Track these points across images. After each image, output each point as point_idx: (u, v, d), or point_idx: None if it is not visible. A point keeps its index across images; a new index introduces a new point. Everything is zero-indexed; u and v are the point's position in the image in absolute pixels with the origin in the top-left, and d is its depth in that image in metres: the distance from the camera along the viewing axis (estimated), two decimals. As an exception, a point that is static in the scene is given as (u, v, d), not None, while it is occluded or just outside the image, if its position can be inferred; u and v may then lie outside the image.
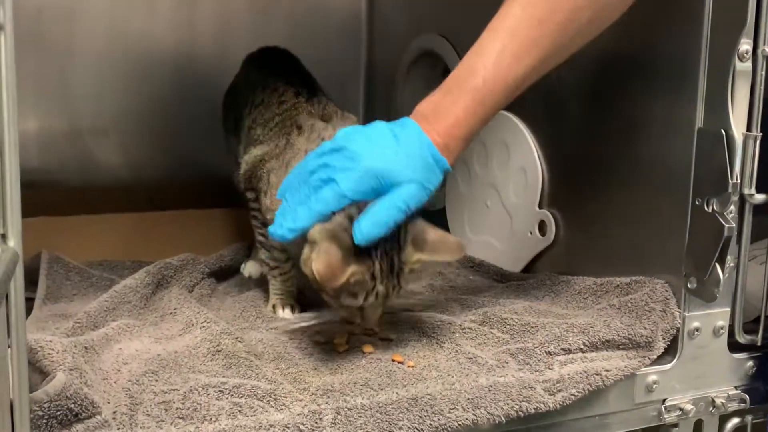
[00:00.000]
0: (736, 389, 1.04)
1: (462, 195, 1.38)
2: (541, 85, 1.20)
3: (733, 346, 1.03)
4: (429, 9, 1.49)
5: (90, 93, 1.57)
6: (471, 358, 0.92)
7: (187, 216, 1.47)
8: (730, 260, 0.96)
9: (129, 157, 1.61)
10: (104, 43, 1.56)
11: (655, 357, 0.98)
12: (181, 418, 0.77)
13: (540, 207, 1.21)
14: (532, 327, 0.99)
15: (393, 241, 0.88)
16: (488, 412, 0.85)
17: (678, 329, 0.99)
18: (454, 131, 0.90)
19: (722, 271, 0.95)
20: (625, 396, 0.97)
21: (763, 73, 0.94)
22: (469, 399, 0.85)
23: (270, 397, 0.80)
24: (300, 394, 0.82)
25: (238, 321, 1.04)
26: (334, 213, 0.87)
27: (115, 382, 0.83)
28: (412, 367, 0.91)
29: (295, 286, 1.09)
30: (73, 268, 1.16)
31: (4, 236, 0.63)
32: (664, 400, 1.00)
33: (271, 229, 0.90)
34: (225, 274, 1.23)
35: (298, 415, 0.79)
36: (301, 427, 0.78)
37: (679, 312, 0.99)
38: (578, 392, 0.91)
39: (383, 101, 1.69)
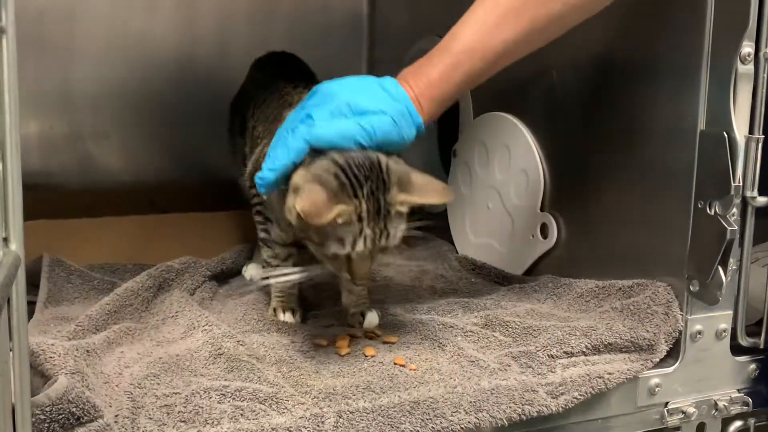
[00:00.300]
0: (739, 392, 1.04)
1: (463, 197, 1.38)
2: (542, 86, 1.21)
3: (736, 349, 1.03)
4: (430, 10, 1.49)
5: (91, 96, 1.57)
6: (473, 362, 0.92)
7: (189, 219, 1.47)
8: (732, 263, 0.96)
9: (130, 159, 1.61)
10: (105, 46, 1.56)
11: (657, 360, 0.97)
12: (183, 421, 0.76)
13: (542, 209, 1.21)
14: (535, 330, 0.99)
15: (378, 182, 0.87)
16: (490, 416, 0.85)
17: (680, 332, 0.99)
18: (427, 91, 0.91)
19: (724, 273, 0.95)
20: (628, 399, 0.97)
21: (765, 75, 0.94)
22: (471, 402, 0.85)
23: (272, 400, 0.80)
24: (302, 397, 0.82)
25: (240, 324, 1.03)
26: (314, 154, 0.87)
27: (116, 386, 0.83)
28: (414, 370, 0.91)
29: (296, 288, 1.09)
30: (75, 271, 1.16)
31: (5, 240, 0.63)
32: (666, 403, 1.00)
33: (255, 177, 0.91)
34: (226, 276, 1.23)
35: (300, 418, 0.79)
36: (303, 430, 0.78)
37: (682, 315, 0.99)
38: (581, 395, 0.90)
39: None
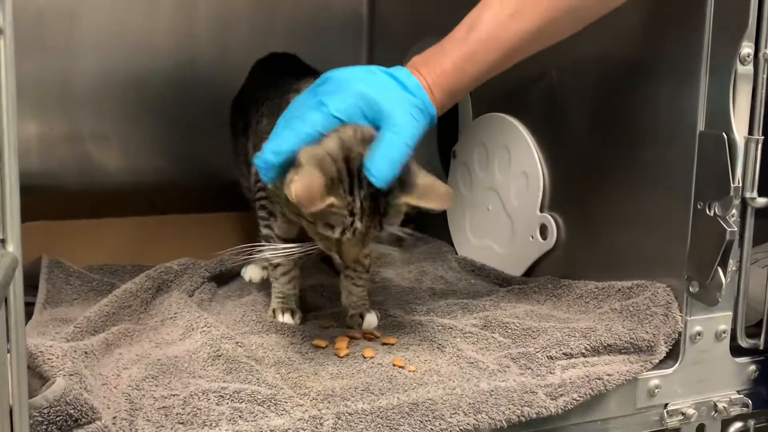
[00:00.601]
0: (739, 393, 1.03)
1: (463, 198, 1.38)
2: (542, 88, 1.21)
3: (736, 350, 1.02)
4: (430, 11, 1.49)
5: (91, 97, 1.57)
6: (472, 363, 0.92)
7: (189, 220, 1.47)
8: (732, 264, 0.96)
9: (130, 160, 1.61)
10: (105, 46, 1.55)
11: (657, 361, 0.97)
12: (181, 423, 0.76)
13: (541, 211, 1.21)
14: (534, 331, 0.99)
15: None
16: (490, 417, 0.84)
17: (680, 333, 0.98)
18: (440, 81, 0.90)
19: (724, 275, 0.94)
20: (627, 400, 0.97)
21: (765, 76, 0.94)
22: (470, 404, 0.85)
23: (270, 402, 0.80)
24: (300, 399, 0.82)
25: (239, 325, 1.03)
26: (322, 136, 0.86)
27: (115, 387, 0.82)
28: (413, 371, 0.90)
29: (297, 289, 1.09)
30: (74, 272, 1.15)
31: (3, 241, 0.63)
32: (666, 405, 1.00)
33: (256, 159, 0.88)
34: (226, 278, 1.22)
35: (299, 420, 0.79)
36: (302, 432, 0.78)
37: (681, 316, 0.98)
38: (580, 397, 0.90)
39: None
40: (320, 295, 1.17)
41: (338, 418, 0.80)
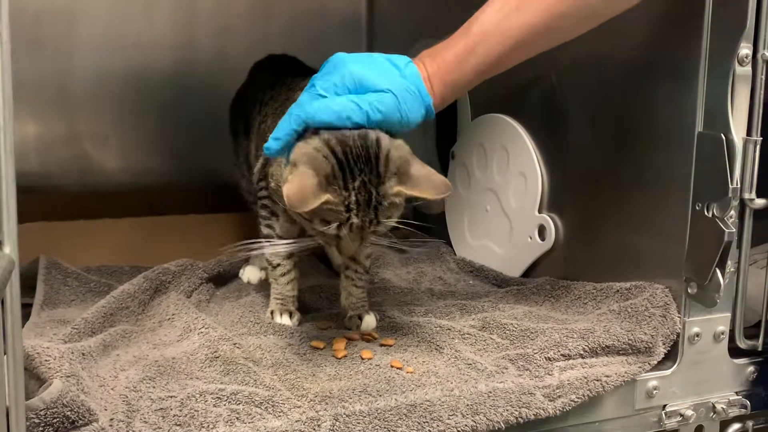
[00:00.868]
0: (737, 395, 1.03)
1: (462, 200, 1.38)
2: (540, 88, 1.21)
3: (734, 352, 1.02)
4: (429, 13, 1.49)
5: (89, 97, 1.57)
6: (470, 364, 0.92)
7: (187, 221, 1.47)
8: (730, 265, 0.95)
9: (128, 161, 1.61)
10: (103, 48, 1.55)
11: (655, 362, 0.97)
12: (178, 425, 0.76)
13: (540, 212, 1.21)
14: (532, 332, 0.99)
15: (372, 174, 0.86)
16: (487, 419, 0.84)
17: (678, 334, 0.98)
18: (440, 73, 0.90)
19: (723, 276, 0.94)
20: (625, 402, 0.97)
21: (763, 77, 0.94)
22: (468, 405, 0.85)
23: (268, 403, 0.80)
24: (298, 400, 0.82)
25: (237, 327, 1.03)
26: (316, 132, 0.87)
27: (112, 389, 0.82)
28: (411, 373, 0.90)
29: (296, 290, 1.09)
30: (71, 273, 1.15)
31: (0, 242, 0.63)
32: (664, 406, 1.00)
33: (264, 146, 0.91)
34: (224, 279, 1.22)
35: (296, 421, 0.79)
36: (299, 433, 0.78)
37: (680, 317, 0.98)
38: (578, 398, 0.90)
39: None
40: (319, 297, 1.17)
41: (336, 420, 0.80)
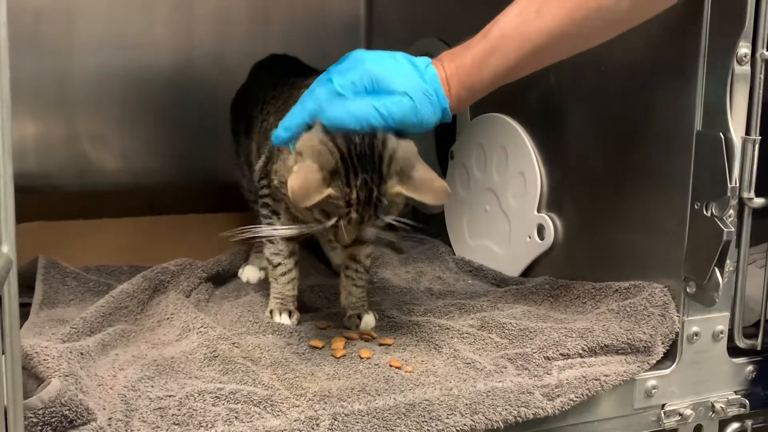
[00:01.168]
0: (736, 394, 1.03)
1: (461, 199, 1.38)
2: (539, 88, 1.21)
3: (733, 351, 1.02)
4: (427, 13, 1.49)
5: (88, 97, 1.57)
6: (469, 363, 0.92)
7: (186, 220, 1.47)
8: (729, 264, 0.95)
9: (127, 161, 1.61)
10: (103, 48, 1.55)
11: (654, 362, 0.97)
12: (176, 424, 0.76)
13: (539, 211, 1.21)
14: (531, 332, 0.99)
15: (375, 173, 0.87)
16: (486, 418, 0.84)
17: (677, 334, 0.98)
18: (457, 74, 0.89)
19: (721, 275, 0.94)
20: (624, 401, 0.97)
21: (762, 76, 0.94)
22: (467, 404, 0.85)
23: (267, 403, 0.80)
24: (297, 399, 0.82)
25: (235, 326, 1.03)
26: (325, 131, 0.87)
27: (110, 388, 0.82)
28: (410, 372, 0.90)
29: (296, 290, 1.09)
30: (70, 273, 1.15)
31: (-3, 242, 0.63)
32: (663, 405, 1.00)
33: (272, 134, 0.93)
34: (223, 278, 1.22)
35: (295, 421, 0.78)
36: (298, 433, 0.78)
37: (679, 316, 0.98)
38: (577, 397, 0.90)
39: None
40: (318, 296, 1.16)
41: (334, 419, 0.80)
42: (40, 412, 0.71)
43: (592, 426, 0.95)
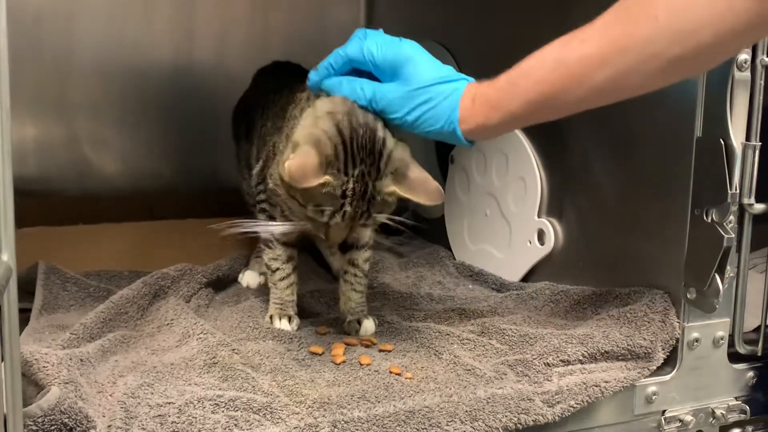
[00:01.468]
0: (737, 400, 1.03)
1: (461, 204, 1.38)
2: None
3: (734, 357, 1.02)
4: (426, 17, 1.49)
5: (89, 101, 1.56)
6: (469, 370, 0.92)
7: (186, 225, 1.47)
8: (729, 270, 0.95)
9: (127, 165, 1.61)
10: (103, 52, 1.55)
11: (654, 368, 0.97)
12: (176, 431, 0.76)
13: (539, 216, 1.21)
14: (531, 338, 0.99)
15: (373, 167, 0.89)
16: (486, 425, 0.84)
17: (677, 340, 0.98)
18: (487, 93, 0.87)
19: (722, 281, 0.94)
20: (625, 407, 0.97)
21: (762, 82, 0.94)
22: (467, 411, 0.84)
23: (266, 410, 0.80)
24: (296, 407, 0.82)
25: (235, 332, 1.03)
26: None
27: (110, 395, 0.82)
28: (410, 378, 0.90)
29: (295, 295, 1.09)
30: (70, 278, 1.15)
31: (-3, 250, 0.63)
32: (663, 412, 0.99)
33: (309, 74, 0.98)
34: (223, 283, 1.22)
35: (295, 428, 0.78)
36: (298, 440, 0.78)
37: (679, 322, 0.98)
38: (577, 404, 0.90)
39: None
40: (318, 301, 1.16)
41: (334, 426, 0.80)
42: (40, 420, 0.71)
43: (593, 432, 0.95)
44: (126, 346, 0.96)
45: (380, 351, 0.98)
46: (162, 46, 1.60)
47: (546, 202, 1.21)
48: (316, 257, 1.33)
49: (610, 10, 0.80)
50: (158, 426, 0.76)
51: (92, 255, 1.29)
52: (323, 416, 0.80)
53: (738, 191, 0.94)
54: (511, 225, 1.26)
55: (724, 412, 1.02)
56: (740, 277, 0.98)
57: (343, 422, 0.80)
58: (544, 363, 0.93)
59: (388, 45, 0.92)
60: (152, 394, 0.82)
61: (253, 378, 0.87)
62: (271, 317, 1.06)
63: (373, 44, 0.92)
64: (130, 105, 1.58)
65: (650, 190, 1.03)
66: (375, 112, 0.92)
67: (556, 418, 0.88)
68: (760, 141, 0.94)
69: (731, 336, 1.01)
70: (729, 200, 0.93)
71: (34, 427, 0.71)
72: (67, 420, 0.72)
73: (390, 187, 0.90)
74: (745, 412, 1.03)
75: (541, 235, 1.21)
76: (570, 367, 0.94)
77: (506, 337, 1.00)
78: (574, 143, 1.16)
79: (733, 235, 0.94)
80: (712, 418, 1.02)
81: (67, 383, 0.77)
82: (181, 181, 1.63)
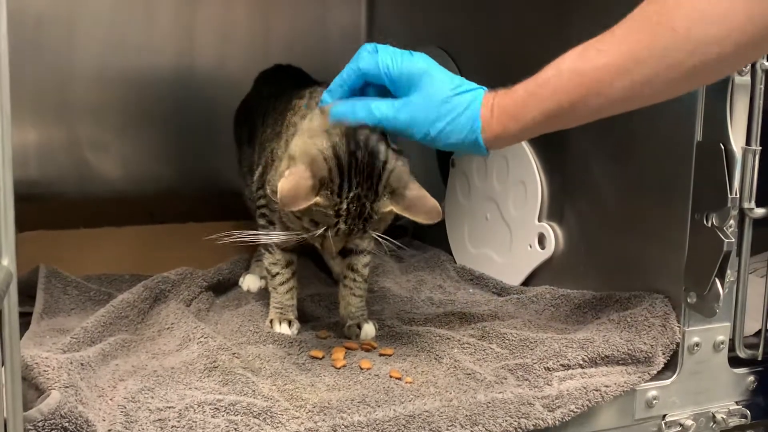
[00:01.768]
0: (737, 404, 1.03)
1: (462, 208, 1.38)
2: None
3: (734, 361, 1.02)
4: (427, 21, 1.49)
5: (90, 105, 1.57)
6: (469, 374, 0.92)
7: (187, 229, 1.47)
8: (729, 275, 0.95)
9: (128, 169, 1.61)
10: (104, 56, 1.55)
11: (654, 372, 0.97)
12: (176, 436, 0.76)
13: (539, 220, 1.21)
14: (531, 342, 0.99)
15: (370, 191, 0.88)
16: (486, 429, 0.84)
17: (678, 344, 0.98)
18: (505, 102, 0.86)
19: (722, 286, 0.94)
20: (625, 412, 0.97)
21: (762, 86, 0.94)
22: (467, 416, 0.84)
23: (266, 414, 0.80)
24: (296, 411, 0.82)
25: (236, 335, 1.03)
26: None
27: (110, 399, 0.82)
28: (410, 383, 0.90)
29: (295, 299, 1.09)
30: (71, 282, 1.15)
31: (-2, 254, 0.63)
32: (664, 416, 0.99)
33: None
34: (223, 287, 1.22)
35: (295, 432, 0.78)
36: (298, 444, 0.78)
37: (679, 327, 0.98)
38: (577, 408, 0.90)
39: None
40: (318, 305, 1.16)
41: (334, 431, 0.80)
42: (40, 424, 0.71)
43: (593, 437, 0.95)
44: (126, 350, 0.97)
45: (380, 355, 0.98)
46: (163, 49, 1.60)
47: (546, 207, 1.21)
48: (317, 261, 1.33)
49: (626, 19, 0.80)
50: (158, 430, 0.76)
51: (93, 259, 1.29)
52: (323, 420, 0.80)
53: (738, 195, 0.94)
54: (512, 229, 1.26)
55: (724, 417, 1.02)
56: (740, 281, 0.98)
57: (343, 426, 0.80)
58: (545, 367, 0.93)
59: (402, 58, 0.90)
60: (152, 398, 0.82)
61: (253, 382, 0.87)
62: (271, 321, 1.06)
63: (388, 58, 0.90)
64: (131, 109, 1.58)
65: (650, 194, 1.03)
66: (392, 131, 0.90)
67: (557, 422, 0.88)
68: (761, 145, 0.94)
69: (732, 340, 1.01)
70: (729, 205, 0.93)
71: (35, 431, 0.71)
72: (67, 424, 0.72)
73: (387, 207, 0.90)
74: (745, 417, 1.03)
75: (541, 240, 1.21)
76: (570, 371, 0.94)
77: (507, 341, 1.00)
78: (574, 147, 1.16)
79: (734, 240, 0.94)
80: (712, 423, 1.02)
81: (67, 387, 0.77)
82: (181, 185, 1.63)
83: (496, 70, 1.31)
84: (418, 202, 0.90)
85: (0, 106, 0.62)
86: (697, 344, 0.99)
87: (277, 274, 1.07)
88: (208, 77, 1.62)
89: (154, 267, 1.19)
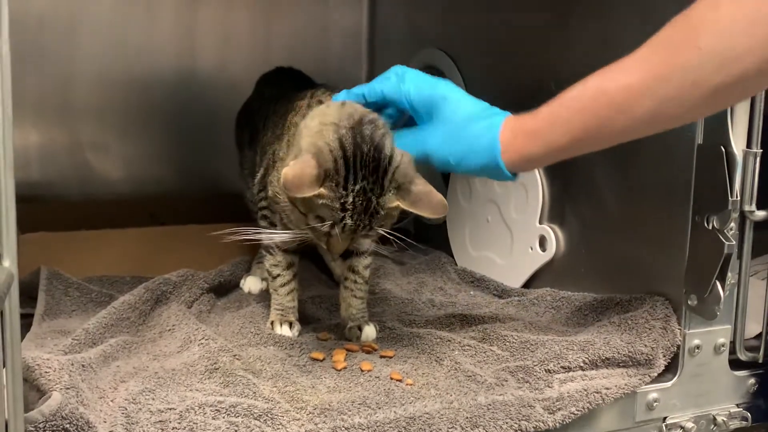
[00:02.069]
0: (738, 407, 1.03)
1: (463, 210, 1.38)
2: (540, 99, 1.20)
3: (735, 364, 1.02)
4: (429, 24, 1.49)
5: (91, 107, 1.57)
6: (470, 376, 0.92)
7: (188, 231, 1.47)
8: (730, 277, 0.95)
9: (130, 171, 1.61)
10: (105, 57, 1.56)
11: (655, 375, 0.97)
12: (177, 437, 0.76)
13: (540, 222, 1.21)
14: (532, 344, 0.99)
15: (376, 185, 0.88)
16: (487, 431, 0.84)
17: (678, 347, 0.98)
18: (527, 123, 0.87)
19: (723, 288, 0.94)
20: (626, 414, 0.97)
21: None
22: (467, 418, 0.85)
23: (267, 416, 0.80)
24: (297, 413, 0.82)
25: (237, 337, 1.03)
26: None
27: (111, 401, 0.82)
28: (411, 385, 0.90)
29: (296, 301, 1.09)
30: (73, 283, 1.15)
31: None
32: (664, 419, 0.99)
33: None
34: (225, 289, 1.22)
35: (295, 434, 0.79)
36: (298, 446, 0.78)
37: (680, 329, 0.98)
38: (578, 410, 0.90)
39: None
40: (319, 307, 1.17)
41: (335, 433, 0.80)
42: (41, 425, 0.71)
43: (594, 439, 0.95)
44: (128, 351, 0.97)
45: (381, 357, 0.98)
46: (164, 52, 1.61)
47: (547, 209, 1.21)
48: (318, 263, 1.33)
49: (651, 39, 0.79)
50: (159, 431, 0.77)
51: (94, 260, 1.29)
52: (324, 422, 0.81)
53: (739, 198, 0.94)
54: (513, 231, 1.27)
55: (725, 419, 1.02)
56: (741, 284, 0.98)
57: (343, 428, 0.80)
58: (545, 369, 0.93)
59: (425, 85, 0.92)
60: (153, 399, 0.82)
61: (254, 384, 0.87)
62: (272, 323, 1.07)
63: (412, 86, 0.92)
64: (132, 111, 1.59)
65: (651, 196, 1.03)
66: (422, 160, 0.92)
67: (557, 424, 0.88)
68: (761, 148, 0.94)
69: (732, 343, 1.01)
70: (730, 207, 0.93)
71: (36, 433, 0.71)
72: (68, 425, 0.72)
73: (393, 202, 0.89)
74: (746, 419, 1.03)
75: (542, 242, 1.21)
76: (571, 373, 0.94)
77: (507, 343, 1.00)
78: (575, 150, 1.16)
79: (734, 242, 0.94)
80: (713, 425, 1.02)
81: (68, 389, 0.77)
82: (183, 187, 1.63)
83: (497, 71, 1.31)
84: (424, 197, 0.90)
85: (2, 107, 0.62)
86: (697, 347, 0.99)
87: (278, 275, 1.08)
88: (209, 79, 1.62)
89: (155, 269, 1.20)
